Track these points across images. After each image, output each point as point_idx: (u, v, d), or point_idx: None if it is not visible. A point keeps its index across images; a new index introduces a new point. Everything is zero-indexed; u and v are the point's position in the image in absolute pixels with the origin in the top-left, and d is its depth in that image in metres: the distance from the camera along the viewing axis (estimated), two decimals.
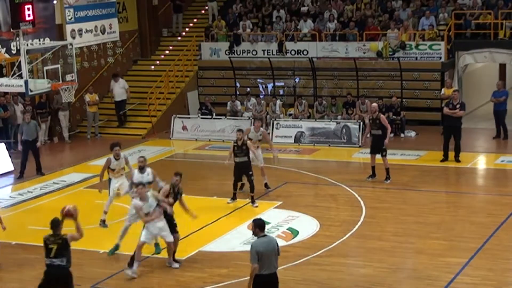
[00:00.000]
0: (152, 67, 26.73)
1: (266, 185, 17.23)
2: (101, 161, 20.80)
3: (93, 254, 13.67)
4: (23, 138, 19.06)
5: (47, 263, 10.25)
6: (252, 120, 22.90)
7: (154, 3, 27.83)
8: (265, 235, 9.89)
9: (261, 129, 17.38)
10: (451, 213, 15.27)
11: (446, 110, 19.02)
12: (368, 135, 18.17)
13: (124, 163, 15.26)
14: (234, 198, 16.34)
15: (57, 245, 10.21)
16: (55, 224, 10.33)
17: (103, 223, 15.32)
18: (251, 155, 16.38)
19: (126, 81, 25.53)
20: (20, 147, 19.30)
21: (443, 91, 21.98)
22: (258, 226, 9.89)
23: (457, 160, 19.04)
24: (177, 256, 13.33)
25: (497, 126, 21.49)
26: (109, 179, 15.29)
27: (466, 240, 13.40)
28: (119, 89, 24.49)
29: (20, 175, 19.26)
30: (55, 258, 10.15)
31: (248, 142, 16.24)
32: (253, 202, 16.06)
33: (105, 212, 15.30)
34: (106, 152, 21.50)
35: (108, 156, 15.57)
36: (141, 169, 14.08)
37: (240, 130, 16.20)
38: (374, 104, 18.05)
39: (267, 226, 14.54)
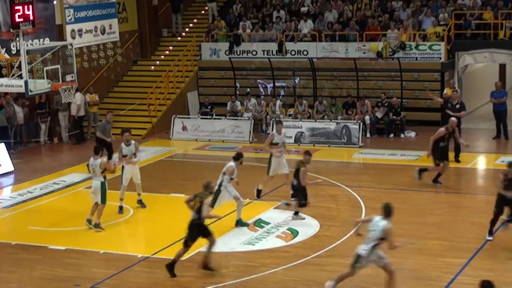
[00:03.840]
0: (152, 67, 26.73)
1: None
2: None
3: (93, 254, 13.66)
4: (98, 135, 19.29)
5: None
6: (252, 120, 22.94)
7: (154, 3, 27.83)
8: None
9: (283, 130, 16.76)
10: (451, 213, 15.26)
11: (452, 117, 18.85)
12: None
13: (134, 149, 15.61)
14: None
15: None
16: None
17: (120, 209, 15.74)
18: (274, 164, 16.05)
19: (125, 82, 25.60)
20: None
21: (445, 91, 21.94)
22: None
23: (457, 160, 19.03)
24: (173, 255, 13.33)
25: (497, 127, 21.48)
26: (122, 167, 15.63)
27: (466, 240, 13.40)
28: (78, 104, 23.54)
29: None
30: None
31: (273, 150, 15.94)
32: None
33: (121, 199, 15.72)
34: (106, 153, 21.61)
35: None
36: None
37: (307, 153, 15.06)
38: (453, 119, 16.97)
39: (266, 227, 14.64)
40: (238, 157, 14.79)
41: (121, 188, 15.82)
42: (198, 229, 12.27)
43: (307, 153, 14.88)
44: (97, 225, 14.79)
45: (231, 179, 14.57)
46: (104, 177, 14.91)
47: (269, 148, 16.25)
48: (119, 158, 15.97)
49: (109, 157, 18.92)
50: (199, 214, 12.19)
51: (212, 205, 14.09)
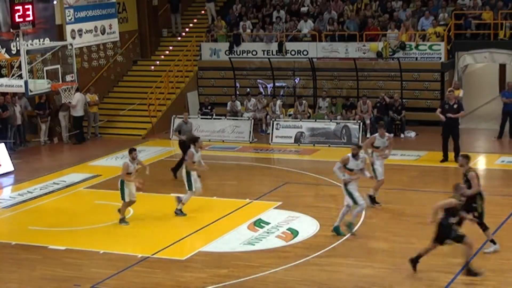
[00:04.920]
0: (152, 67, 26.73)
1: (373, 199, 15.74)
2: (101, 161, 20.97)
3: (93, 254, 13.66)
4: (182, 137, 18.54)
5: None
6: (252, 120, 22.94)
7: (154, 3, 27.83)
8: None
9: (387, 134, 15.96)
10: None
11: (449, 115, 18.86)
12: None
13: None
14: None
15: None
16: None
17: (180, 212, 15.65)
18: (381, 167, 15.41)
19: (125, 82, 25.56)
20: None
21: (455, 93, 21.75)
22: None
23: (458, 161, 18.99)
24: (176, 257, 13.35)
25: (501, 127, 21.38)
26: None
27: None
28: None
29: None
30: None
31: (366, 156, 14.85)
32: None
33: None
34: (106, 153, 21.67)
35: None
36: None
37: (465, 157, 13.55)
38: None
39: (266, 227, 14.65)
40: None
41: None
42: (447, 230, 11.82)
43: (465, 157, 13.45)
44: (122, 220, 15.16)
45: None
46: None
47: (367, 149, 15.47)
48: (123, 174, 15.13)
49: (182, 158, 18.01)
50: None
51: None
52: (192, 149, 15.51)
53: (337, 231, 13.95)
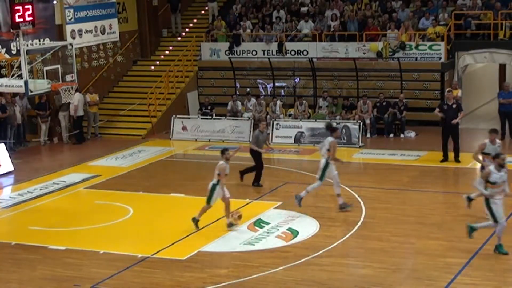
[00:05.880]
0: (152, 67, 26.74)
1: None
2: (101, 161, 20.93)
3: (93, 254, 13.67)
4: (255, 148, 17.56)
5: None
6: (252, 120, 22.93)
7: (154, 3, 27.84)
8: None
9: (498, 141, 14.81)
10: (451, 213, 15.26)
11: (454, 121, 18.82)
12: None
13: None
14: None
15: None
16: None
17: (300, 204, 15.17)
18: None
19: (125, 82, 25.48)
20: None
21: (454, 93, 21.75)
22: None
23: (457, 161, 19.04)
24: (176, 257, 13.35)
25: (502, 128, 21.37)
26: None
27: (466, 240, 13.36)
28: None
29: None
30: None
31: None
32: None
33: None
34: (106, 153, 21.67)
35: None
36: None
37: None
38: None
39: (266, 227, 14.65)
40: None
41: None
42: None
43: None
44: (230, 225, 14.55)
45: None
46: (218, 181, 14.40)
47: (477, 157, 14.79)
48: (222, 175, 14.57)
49: (255, 169, 17.59)
50: None
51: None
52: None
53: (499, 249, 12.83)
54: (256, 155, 17.70)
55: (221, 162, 14.60)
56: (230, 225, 14.60)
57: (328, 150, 15.28)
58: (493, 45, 23.02)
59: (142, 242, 14.27)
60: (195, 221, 14.61)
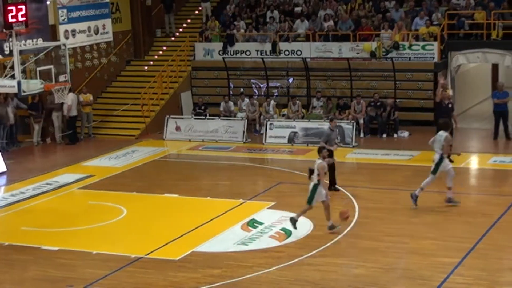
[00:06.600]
0: (146, 67, 26.71)
1: None
2: (94, 162, 20.90)
3: (87, 255, 13.64)
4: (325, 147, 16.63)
5: None
6: (246, 120, 22.92)
7: (147, 3, 27.80)
8: None
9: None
10: (444, 213, 15.29)
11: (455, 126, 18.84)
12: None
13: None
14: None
15: None
16: None
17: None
18: None
19: (119, 82, 25.36)
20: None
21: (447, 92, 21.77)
22: None
23: (450, 160, 19.03)
24: (169, 257, 13.33)
25: (495, 128, 21.40)
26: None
27: (459, 240, 13.42)
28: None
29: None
30: None
31: None
32: None
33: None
34: (99, 153, 21.63)
35: None
36: None
37: None
38: None
39: (259, 227, 14.65)
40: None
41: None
42: None
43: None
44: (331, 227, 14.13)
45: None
46: (318, 181, 14.00)
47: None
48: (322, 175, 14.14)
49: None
50: None
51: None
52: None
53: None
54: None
55: (319, 160, 14.15)
56: (332, 227, 14.07)
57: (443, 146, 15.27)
58: (486, 45, 23.06)
59: (135, 242, 14.26)
60: (293, 221, 14.16)
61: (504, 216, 14.76)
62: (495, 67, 26.39)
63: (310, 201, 14.06)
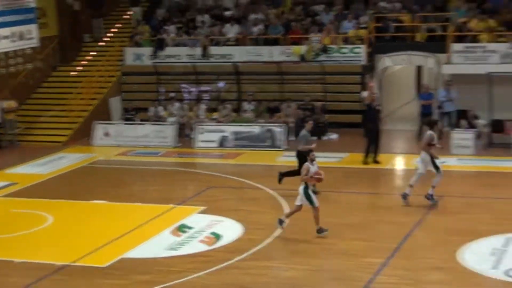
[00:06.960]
0: (72, 73, 26.17)
1: None
2: (17, 169, 20.33)
3: (9, 263, 13.21)
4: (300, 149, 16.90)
5: None
6: (177, 125, 22.72)
7: (75, 8, 27.30)
8: None
9: None
10: (371, 214, 15.49)
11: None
12: None
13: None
14: None
15: None
16: None
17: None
18: None
19: (45, 88, 24.77)
20: None
21: (364, 93, 22.18)
22: None
23: (376, 161, 19.33)
24: (96, 264, 13.05)
25: (420, 129, 21.75)
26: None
27: (385, 240, 13.60)
28: None
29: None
30: None
31: None
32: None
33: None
34: (23, 160, 21.05)
35: None
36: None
37: None
38: None
39: (189, 232, 14.52)
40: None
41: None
42: None
43: None
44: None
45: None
46: (305, 183, 13.92)
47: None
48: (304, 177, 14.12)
49: (298, 173, 16.07)
50: None
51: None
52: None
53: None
54: (301, 158, 16.52)
55: (306, 163, 14.21)
56: (320, 231, 13.98)
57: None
58: (411, 47, 23.49)
59: (61, 250, 13.92)
60: (321, 231, 13.93)
61: (427, 216, 15.04)
62: (419, 69, 26.93)
63: (311, 203, 14.02)
